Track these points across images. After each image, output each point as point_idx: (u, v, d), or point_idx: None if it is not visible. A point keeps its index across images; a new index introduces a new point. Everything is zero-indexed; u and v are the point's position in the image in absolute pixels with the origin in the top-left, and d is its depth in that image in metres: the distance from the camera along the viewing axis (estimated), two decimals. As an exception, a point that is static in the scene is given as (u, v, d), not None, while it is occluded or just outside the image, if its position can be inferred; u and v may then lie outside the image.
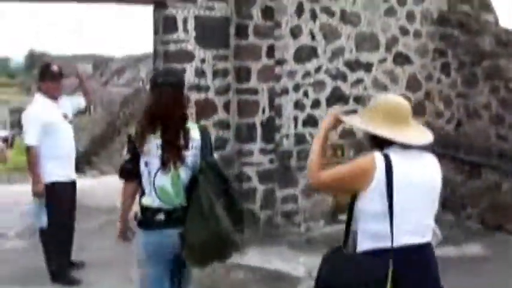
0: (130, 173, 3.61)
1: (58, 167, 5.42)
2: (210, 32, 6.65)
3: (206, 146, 3.67)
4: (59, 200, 5.41)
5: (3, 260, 6.27)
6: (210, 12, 6.66)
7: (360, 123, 3.06)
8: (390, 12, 7.90)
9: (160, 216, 3.57)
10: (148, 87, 3.80)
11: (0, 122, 47.59)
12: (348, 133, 7.36)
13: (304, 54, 7.26)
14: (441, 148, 7.99)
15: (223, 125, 6.82)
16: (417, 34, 8.14)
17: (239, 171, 6.79)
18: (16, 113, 27.78)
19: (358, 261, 2.89)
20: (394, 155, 2.86)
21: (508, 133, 7.54)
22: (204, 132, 3.74)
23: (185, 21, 6.52)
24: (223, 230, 3.44)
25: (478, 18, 8.31)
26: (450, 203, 7.70)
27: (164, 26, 6.49)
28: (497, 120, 7.73)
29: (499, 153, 7.55)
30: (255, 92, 6.76)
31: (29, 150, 5.38)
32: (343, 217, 3.11)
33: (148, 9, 6.78)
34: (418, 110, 8.18)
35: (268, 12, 6.78)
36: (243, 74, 6.72)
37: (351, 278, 2.82)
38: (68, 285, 5.54)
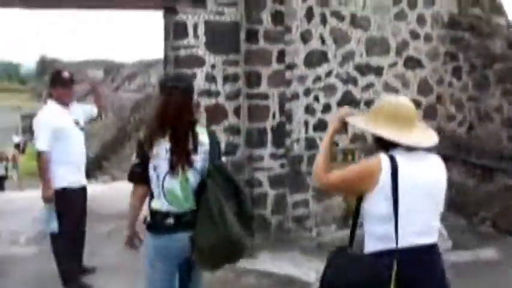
0: (140, 176, 3.62)
1: (68, 173, 5.44)
2: (220, 37, 6.66)
3: (214, 150, 3.68)
4: (69, 206, 5.42)
5: (15, 265, 6.29)
6: (220, 18, 6.66)
7: (366, 125, 3.07)
8: (400, 16, 7.88)
9: (170, 220, 3.58)
10: (157, 92, 3.81)
11: (12, 127, 47.94)
12: (359, 137, 7.35)
13: (315, 58, 7.25)
14: (453, 152, 7.96)
15: (234, 130, 6.82)
16: (428, 38, 8.12)
17: (250, 177, 6.78)
18: (28, 119, 27.98)
19: (362, 262, 2.90)
20: (400, 157, 2.88)
21: (521, 136, 7.50)
22: (212, 136, 3.75)
23: (195, 26, 6.53)
24: (233, 233, 3.45)
25: (489, 21, 8.27)
26: (462, 207, 7.65)
27: (174, 31, 6.50)
28: (509, 123, 7.69)
29: (511, 157, 7.50)
30: (265, 96, 6.76)
31: (39, 155, 5.40)
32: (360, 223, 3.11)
33: (159, 15, 6.80)
34: (429, 114, 8.16)
35: (278, 17, 6.77)
36: (253, 79, 6.72)
37: (354, 278, 2.83)
38: (79, 290, 5.56)
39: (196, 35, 6.54)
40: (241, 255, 3.63)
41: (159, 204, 3.60)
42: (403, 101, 3.06)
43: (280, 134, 6.89)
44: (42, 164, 5.39)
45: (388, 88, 7.71)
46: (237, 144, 6.84)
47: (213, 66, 6.65)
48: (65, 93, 5.54)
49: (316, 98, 7.28)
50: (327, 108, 7.31)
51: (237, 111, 6.82)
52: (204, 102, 6.63)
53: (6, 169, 29.56)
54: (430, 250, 2.92)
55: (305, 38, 7.16)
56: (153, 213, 3.63)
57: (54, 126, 5.36)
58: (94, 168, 24.20)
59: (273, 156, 6.83)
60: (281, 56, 6.83)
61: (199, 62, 6.58)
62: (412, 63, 8.04)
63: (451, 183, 7.73)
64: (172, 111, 3.56)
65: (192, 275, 3.80)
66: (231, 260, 3.66)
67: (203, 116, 6.61)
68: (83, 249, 5.82)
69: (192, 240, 3.49)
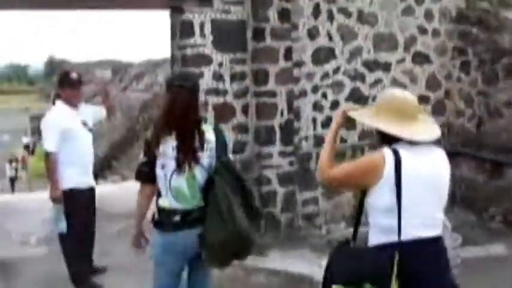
0: (147, 175, 3.65)
1: (76, 174, 5.44)
2: (227, 36, 6.65)
3: (221, 147, 3.72)
4: (77, 206, 5.42)
5: (25, 266, 6.31)
6: (227, 16, 6.66)
7: (367, 119, 3.09)
8: (408, 11, 7.84)
9: (176, 218, 3.62)
10: (164, 90, 3.82)
11: (21, 129, 48.11)
12: (368, 134, 7.33)
13: (322, 55, 7.23)
14: (462, 147, 7.93)
15: (242, 128, 6.81)
16: (436, 33, 8.08)
17: (259, 174, 6.78)
18: (36, 120, 28.04)
19: (364, 255, 2.94)
20: (403, 150, 2.89)
21: (531, 131, 7.45)
22: (218, 133, 3.78)
23: (202, 25, 6.53)
24: (242, 229, 3.48)
25: (497, 15, 8.22)
26: (472, 203, 7.61)
27: (181, 30, 6.50)
28: (519, 117, 7.64)
29: (522, 152, 7.46)
30: (273, 94, 6.75)
31: (47, 156, 5.41)
32: (364, 219, 3.12)
33: (165, 15, 6.80)
34: (438, 109, 8.13)
35: (284, 14, 6.76)
36: (261, 77, 6.71)
37: (355, 271, 2.86)
38: (89, 290, 5.58)
39: (203, 34, 6.54)
40: (250, 251, 3.67)
41: (166, 201, 3.63)
42: (405, 94, 3.07)
43: (289, 132, 6.88)
44: (50, 165, 5.40)
45: (396, 84, 7.68)
46: (246, 142, 6.83)
47: (220, 65, 6.65)
48: (73, 94, 5.54)
49: (324, 95, 7.27)
50: (335, 105, 7.28)
51: (245, 109, 6.81)
52: (212, 100, 6.63)
53: (16, 170, 29.73)
54: (434, 242, 2.93)
55: (312, 34, 7.14)
56: (160, 210, 3.66)
57: (62, 127, 5.36)
58: (103, 168, 24.27)
59: (282, 153, 6.82)
60: (288, 53, 6.82)
61: (207, 60, 6.58)
62: (420, 58, 8.00)
63: (460, 179, 7.70)
64: (179, 110, 3.59)
65: (200, 272, 3.82)
66: (239, 256, 3.70)
67: (211, 114, 6.61)
68: (92, 249, 5.83)
69: (201, 236, 3.52)
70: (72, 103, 5.55)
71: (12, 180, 28.70)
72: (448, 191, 3.02)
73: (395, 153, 2.86)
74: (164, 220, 3.65)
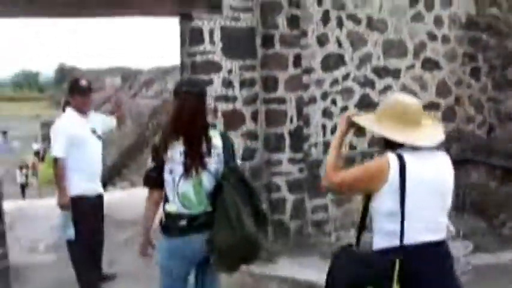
0: (155, 181, 3.68)
1: (84, 181, 5.45)
2: (236, 43, 6.66)
3: (228, 153, 3.76)
4: (84, 214, 5.42)
5: (34, 272, 6.33)
6: (236, 23, 6.67)
7: (370, 124, 3.11)
8: (417, 17, 7.82)
9: (183, 222, 3.64)
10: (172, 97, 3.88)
11: (31, 136, 48.35)
12: (377, 141, 7.30)
13: (332, 62, 7.22)
14: (472, 153, 7.88)
15: (252, 135, 6.81)
16: (445, 39, 8.06)
17: (268, 181, 6.77)
18: (47, 127, 28.16)
19: (364, 259, 2.96)
20: (407, 155, 2.91)
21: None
22: (225, 139, 3.82)
23: (211, 32, 6.54)
24: (250, 233, 3.51)
25: (507, 21, 8.19)
26: (483, 209, 7.56)
27: (190, 37, 6.51)
28: (530, 124, 7.60)
29: (533, 158, 7.41)
30: (282, 101, 6.74)
31: (55, 162, 5.43)
32: (369, 223, 3.15)
33: (175, 22, 6.82)
34: (448, 116, 8.09)
35: (294, 21, 6.76)
36: (270, 84, 6.71)
37: (356, 275, 2.90)
38: (98, 297, 5.58)
39: (212, 41, 6.55)
40: (258, 256, 3.70)
41: (173, 206, 3.66)
42: (408, 99, 3.08)
43: (298, 139, 6.87)
44: (58, 171, 5.41)
45: (406, 90, 7.65)
46: (255, 149, 6.83)
47: (229, 72, 6.65)
48: (83, 101, 5.56)
49: (334, 102, 7.26)
50: (344, 111, 7.26)
51: (254, 116, 6.81)
52: (221, 107, 6.64)
53: (27, 177, 29.86)
54: (437, 246, 2.94)
55: (321, 41, 7.14)
56: (167, 215, 3.69)
57: (71, 134, 5.38)
58: (113, 174, 24.32)
59: (291, 160, 6.81)
60: (297, 60, 6.81)
61: (216, 67, 6.59)
62: (430, 65, 7.98)
63: (471, 186, 7.64)
64: (187, 116, 3.63)
65: (208, 277, 3.83)
66: (247, 261, 3.72)
67: (221, 121, 6.61)
68: (101, 256, 5.82)
69: (209, 241, 3.55)
70: (82, 110, 5.56)
71: (23, 187, 28.82)
72: (452, 195, 3.03)
73: (400, 158, 2.88)
74: (170, 225, 3.68)
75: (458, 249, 6.41)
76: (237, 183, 3.62)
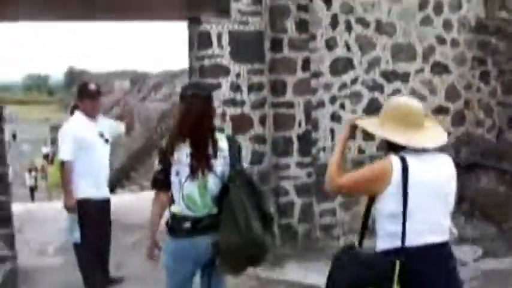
0: (163, 182, 3.71)
1: (91, 184, 5.46)
2: (245, 47, 6.67)
3: (234, 155, 3.78)
4: (90, 217, 5.43)
5: (43, 275, 6.35)
6: (244, 27, 6.67)
7: (374, 128, 3.14)
8: (426, 21, 7.80)
9: (187, 224, 3.67)
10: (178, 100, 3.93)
11: (41, 139, 48.59)
12: (381, 144, 7.27)
13: (340, 66, 7.21)
14: (482, 158, 7.84)
15: (260, 139, 6.81)
16: (455, 43, 8.02)
17: (276, 185, 6.76)
18: (56, 130, 28.32)
19: (365, 260, 2.98)
20: (410, 158, 2.93)
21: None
22: (232, 142, 3.85)
23: (219, 36, 6.55)
24: (257, 235, 3.53)
25: (517, 25, 8.14)
26: (492, 214, 7.51)
27: (199, 41, 6.53)
28: (539, 128, 7.55)
29: (543, 163, 7.36)
30: (291, 105, 6.74)
31: (62, 165, 5.45)
32: (372, 225, 3.16)
33: (183, 26, 6.83)
34: (457, 120, 8.06)
35: (302, 25, 6.76)
36: (278, 88, 6.71)
37: (356, 276, 2.92)
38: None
39: (220, 45, 6.56)
40: (264, 258, 3.71)
41: (178, 208, 3.68)
42: (410, 102, 3.10)
43: (306, 143, 6.86)
44: (64, 174, 5.43)
45: (415, 94, 7.62)
46: (263, 153, 6.83)
47: (237, 76, 6.66)
48: (91, 105, 5.58)
49: (342, 106, 7.24)
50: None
51: (262, 120, 6.81)
52: (230, 111, 6.65)
53: (36, 179, 30.02)
54: (439, 248, 2.96)
55: (330, 45, 7.13)
56: (172, 216, 3.72)
57: (78, 137, 5.40)
58: (121, 177, 24.39)
59: (300, 164, 6.80)
60: (306, 64, 6.81)
61: (224, 71, 6.60)
62: (439, 68, 7.94)
63: (480, 190, 7.58)
64: (193, 119, 3.67)
65: (214, 280, 3.84)
66: (254, 263, 3.74)
67: (229, 125, 6.62)
68: (108, 259, 5.83)
69: (215, 242, 3.57)
70: (91, 114, 5.58)
71: (32, 189, 28.99)
72: (454, 197, 3.06)
73: (403, 161, 2.91)
74: (176, 226, 3.71)
75: (467, 254, 6.39)
76: (243, 185, 3.64)
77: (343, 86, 7.23)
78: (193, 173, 3.63)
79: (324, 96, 7.10)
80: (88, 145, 5.43)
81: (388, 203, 2.92)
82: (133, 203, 9.73)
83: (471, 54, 8.15)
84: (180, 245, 3.70)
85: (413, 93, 7.63)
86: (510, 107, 7.95)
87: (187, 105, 3.70)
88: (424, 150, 2.96)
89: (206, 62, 6.52)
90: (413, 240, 2.89)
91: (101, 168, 5.59)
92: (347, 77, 7.26)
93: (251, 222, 3.52)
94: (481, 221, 7.40)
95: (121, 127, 6.13)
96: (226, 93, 6.60)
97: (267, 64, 6.76)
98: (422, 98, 7.69)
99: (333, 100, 7.17)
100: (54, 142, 36.08)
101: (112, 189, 6.01)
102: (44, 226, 8.35)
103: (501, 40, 8.01)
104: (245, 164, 4.02)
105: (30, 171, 30.38)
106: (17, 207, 8.17)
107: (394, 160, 2.92)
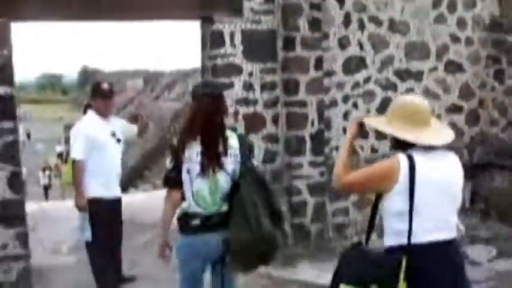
0: (174, 180, 3.72)
1: (102, 183, 5.47)
2: (257, 46, 6.66)
3: (245, 154, 3.80)
4: (101, 216, 5.44)
5: (57, 274, 6.38)
6: (257, 26, 6.66)
7: (380, 125, 3.15)
8: (440, 19, 7.74)
9: (196, 221, 3.69)
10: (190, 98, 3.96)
11: (55, 138, 48.87)
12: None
13: (353, 64, 7.18)
14: (496, 157, 7.78)
15: (272, 138, 6.80)
16: (469, 41, 7.96)
17: (289, 185, 6.75)
18: (69, 129, 28.50)
19: (372, 258, 3.00)
20: (417, 156, 2.95)
21: None
22: (242, 140, 3.87)
23: (232, 35, 6.55)
24: (268, 231, 3.55)
25: (531, 23, 8.07)
26: (506, 214, 7.46)
27: (211, 40, 6.53)
28: (555, 127, 7.48)
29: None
30: (303, 104, 6.72)
31: (74, 163, 5.47)
32: (379, 223, 3.17)
33: (196, 25, 6.83)
34: (471, 119, 8.00)
35: (315, 24, 6.74)
36: (291, 87, 6.69)
37: (363, 273, 2.93)
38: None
39: (233, 44, 6.55)
40: (275, 255, 3.72)
41: (188, 205, 3.71)
42: (417, 100, 3.12)
43: (319, 142, 6.84)
44: (76, 173, 5.45)
45: (429, 93, 7.58)
46: (276, 152, 6.82)
47: (250, 75, 6.65)
48: (105, 105, 5.60)
49: (355, 105, 7.21)
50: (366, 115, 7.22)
51: (275, 119, 6.80)
52: (242, 110, 6.64)
53: (50, 178, 30.20)
54: (447, 246, 2.97)
55: (343, 44, 7.10)
56: (183, 213, 3.75)
57: (90, 136, 5.42)
58: (135, 177, 24.48)
59: (312, 164, 6.79)
60: (319, 63, 6.79)
61: (237, 70, 6.60)
62: (453, 67, 7.89)
63: (494, 190, 7.51)
64: (204, 117, 3.70)
65: (225, 277, 3.85)
66: (264, 260, 3.74)
67: (241, 124, 6.61)
68: (119, 259, 5.85)
69: (225, 240, 3.59)
70: (104, 114, 5.60)
71: (46, 188, 29.17)
72: (461, 195, 3.07)
73: (410, 159, 2.92)
74: (185, 223, 3.73)
75: (481, 255, 6.35)
76: (254, 182, 3.67)
77: (356, 85, 7.21)
78: (203, 171, 3.65)
79: (336, 95, 7.08)
80: (100, 144, 5.45)
81: (395, 201, 2.93)
82: (146, 202, 9.76)
83: (485, 52, 8.08)
84: (189, 242, 3.73)
85: (427, 92, 7.59)
86: (525, 106, 7.89)
87: (198, 103, 3.74)
88: (431, 149, 2.97)
89: (219, 61, 6.52)
90: (420, 237, 2.90)
91: (113, 168, 5.60)
92: (360, 76, 7.23)
93: (261, 219, 3.54)
94: (495, 221, 7.35)
95: (133, 129, 6.14)
96: (238, 92, 6.60)
97: (279, 63, 6.75)
98: (436, 96, 7.65)
99: (345, 99, 7.14)
100: (68, 141, 36.28)
101: (125, 188, 6.01)
102: (58, 225, 8.39)
103: (516, 38, 7.95)
104: (256, 162, 4.03)
105: (44, 170, 30.56)
106: (31, 206, 8.22)
107: (402, 158, 2.93)
